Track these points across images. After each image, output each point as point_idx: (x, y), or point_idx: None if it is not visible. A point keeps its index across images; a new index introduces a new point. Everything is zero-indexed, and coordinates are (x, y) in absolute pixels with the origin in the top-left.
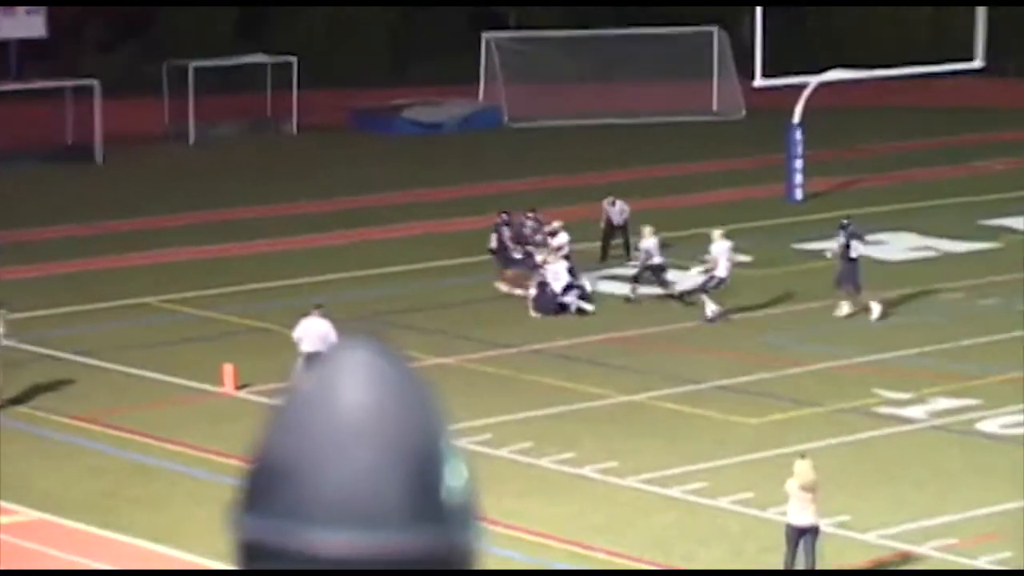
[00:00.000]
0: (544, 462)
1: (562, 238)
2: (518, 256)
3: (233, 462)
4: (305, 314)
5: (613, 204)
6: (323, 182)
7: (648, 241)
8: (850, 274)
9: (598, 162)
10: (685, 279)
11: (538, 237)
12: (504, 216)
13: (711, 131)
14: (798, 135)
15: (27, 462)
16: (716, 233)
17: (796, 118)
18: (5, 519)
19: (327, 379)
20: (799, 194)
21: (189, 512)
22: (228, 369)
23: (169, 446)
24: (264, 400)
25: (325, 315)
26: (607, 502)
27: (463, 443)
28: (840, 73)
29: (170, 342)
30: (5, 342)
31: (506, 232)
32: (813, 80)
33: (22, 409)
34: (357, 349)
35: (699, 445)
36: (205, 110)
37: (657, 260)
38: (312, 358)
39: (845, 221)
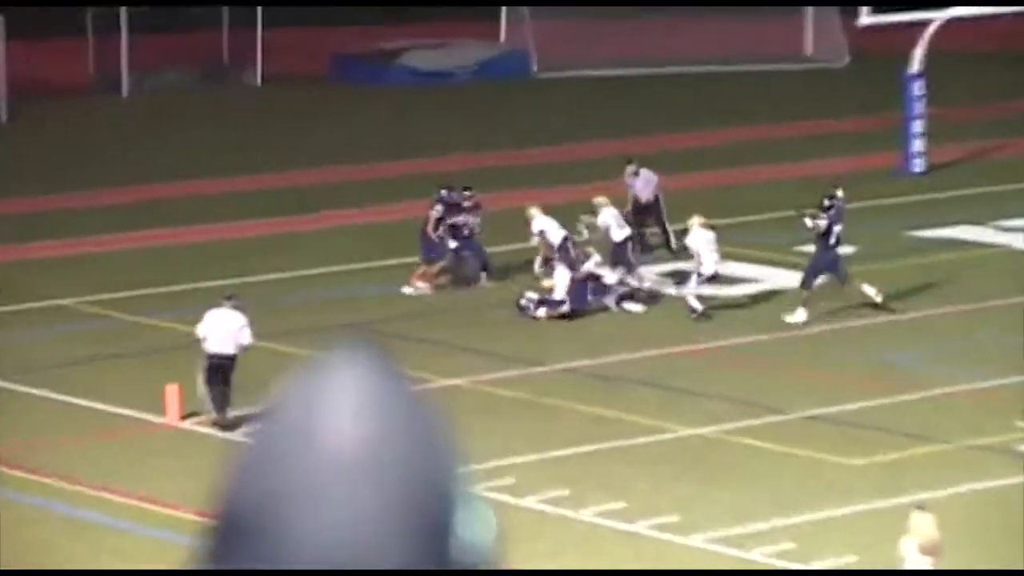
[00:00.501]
0: (584, 515)
1: (538, 224)
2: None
3: (180, 513)
4: (214, 305)
5: (636, 174)
6: (294, 149)
7: (605, 214)
8: (832, 264)
9: (653, 122)
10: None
11: (466, 219)
12: (443, 192)
13: (804, 83)
14: (917, 88)
15: None
16: (694, 221)
17: (915, 66)
18: None
19: (308, 406)
20: (919, 165)
21: None
22: (172, 392)
23: (97, 493)
24: (217, 433)
25: (238, 307)
26: (666, 566)
27: (479, 488)
28: (971, 8)
29: (96, 356)
30: None
31: (434, 212)
32: (937, 16)
33: None
34: (344, 367)
35: (786, 494)
36: (142, 53)
37: (620, 235)
38: (218, 362)
39: (829, 202)
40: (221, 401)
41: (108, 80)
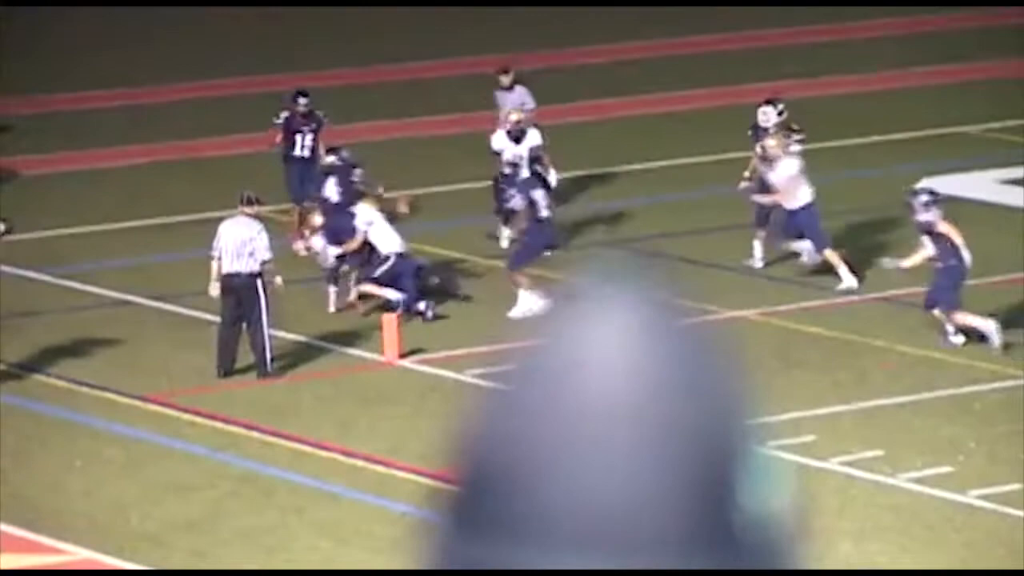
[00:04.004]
0: (902, 481)
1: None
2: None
3: (397, 472)
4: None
5: (511, 88)
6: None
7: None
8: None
9: None
10: None
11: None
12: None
13: None
14: None
15: (70, 471)
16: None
17: None
18: (44, 559)
19: (566, 344)
20: None
21: (324, 556)
22: (390, 323)
23: (294, 446)
24: (451, 374)
25: (257, 215)
26: (1003, 547)
27: (772, 446)
28: None
29: (296, 279)
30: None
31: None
32: None
33: (59, 383)
34: (611, 300)
35: None
36: None
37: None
38: (230, 284)
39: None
40: (226, 353)
41: None
